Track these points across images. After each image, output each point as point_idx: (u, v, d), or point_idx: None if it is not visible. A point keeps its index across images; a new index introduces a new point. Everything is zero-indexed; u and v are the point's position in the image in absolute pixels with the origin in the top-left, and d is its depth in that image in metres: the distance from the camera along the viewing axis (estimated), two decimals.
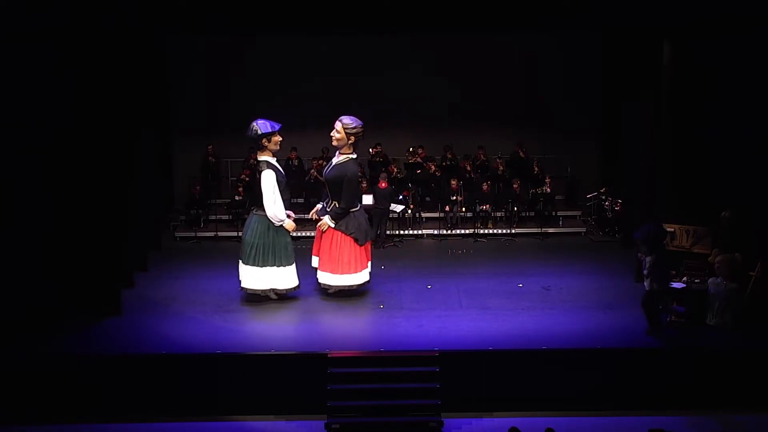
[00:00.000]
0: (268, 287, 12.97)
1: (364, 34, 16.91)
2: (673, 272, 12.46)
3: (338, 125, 13.15)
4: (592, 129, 18.96)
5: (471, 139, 18.90)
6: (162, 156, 17.53)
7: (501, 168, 18.55)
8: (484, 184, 17.79)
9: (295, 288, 13.14)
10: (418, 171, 18.38)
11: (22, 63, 11.68)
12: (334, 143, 13.32)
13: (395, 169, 18.28)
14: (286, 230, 13.01)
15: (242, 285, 13.04)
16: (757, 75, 13.00)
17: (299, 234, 15.78)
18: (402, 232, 17.51)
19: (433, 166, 18.33)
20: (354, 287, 13.25)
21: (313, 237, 13.90)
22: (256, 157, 13.16)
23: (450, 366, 11.08)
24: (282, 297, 13.14)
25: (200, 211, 17.67)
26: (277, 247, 12.88)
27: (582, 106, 18.85)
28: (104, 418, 11.06)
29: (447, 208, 17.57)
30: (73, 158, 12.27)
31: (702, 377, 11.23)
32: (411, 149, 18.74)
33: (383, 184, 16.71)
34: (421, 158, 18.55)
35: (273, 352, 11.30)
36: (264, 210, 12.83)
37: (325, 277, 13.18)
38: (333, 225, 13.13)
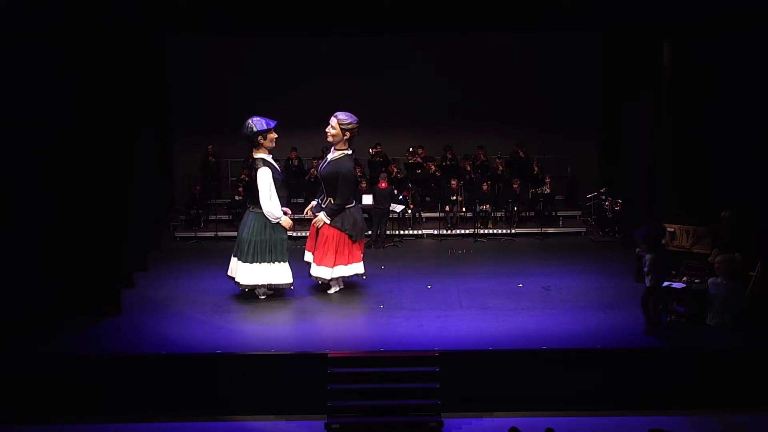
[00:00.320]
0: (262, 282, 12.99)
1: (364, 34, 16.92)
2: (673, 272, 12.46)
3: (333, 121, 13.16)
4: (592, 129, 18.96)
5: (471, 139, 18.90)
6: (162, 156, 17.53)
7: (501, 168, 18.55)
8: (484, 184, 17.79)
9: (288, 285, 13.14)
10: (418, 171, 18.38)
11: (22, 63, 11.67)
12: (329, 139, 13.31)
13: (395, 169, 18.29)
14: (283, 227, 13.04)
15: (237, 280, 13.05)
16: (757, 75, 13.00)
17: (297, 234, 15.79)
18: (402, 232, 17.51)
19: (433, 166, 18.33)
20: (348, 277, 13.38)
21: None
22: (251, 154, 13.16)
23: (450, 366, 11.08)
24: (273, 293, 13.17)
25: (200, 211, 17.67)
26: (273, 244, 12.93)
27: (582, 106, 18.85)
28: (104, 418, 11.06)
29: (447, 208, 17.57)
30: (73, 158, 12.27)
31: (702, 377, 11.22)
32: (411, 149, 18.75)
33: (383, 184, 16.71)
34: (421, 158, 18.55)
35: (273, 352, 11.30)
36: (260, 207, 12.86)
37: (319, 271, 13.21)
38: (328, 221, 13.16)
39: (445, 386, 10.91)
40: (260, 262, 12.90)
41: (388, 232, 17.04)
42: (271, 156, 13.16)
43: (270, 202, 12.85)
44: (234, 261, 13.17)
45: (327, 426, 10.74)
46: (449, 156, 18.69)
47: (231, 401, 11.19)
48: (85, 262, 12.45)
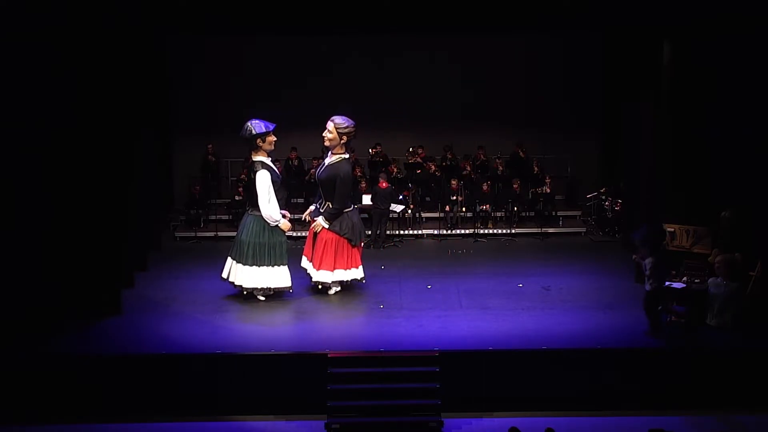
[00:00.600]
0: (261, 286, 12.94)
1: (364, 34, 16.92)
2: (673, 272, 12.46)
3: (330, 125, 13.12)
4: (592, 129, 18.95)
5: (471, 139, 18.90)
6: (162, 156, 17.52)
7: (501, 168, 18.55)
8: (484, 184, 17.79)
9: (287, 288, 13.11)
10: (418, 171, 18.37)
11: (22, 63, 11.67)
12: (327, 143, 13.28)
13: (395, 169, 18.28)
14: (282, 230, 13.01)
15: (236, 284, 12.99)
16: (757, 75, 13.00)
17: (296, 234, 15.78)
18: (402, 232, 17.51)
19: (433, 166, 18.33)
20: (348, 282, 13.30)
21: None
22: (250, 156, 13.13)
23: (450, 366, 11.08)
24: (272, 296, 13.11)
25: (200, 211, 17.67)
26: (272, 247, 12.88)
27: (582, 106, 18.84)
28: (104, 418, 11.06)
29: (447, 208, 17.58)
30: (73, 158, 12.26)
31: (702, 377, 11.23)
32: (411, 149, 18.75)
33: (383, 184, 16.71)
34: (421, 158, 18.55)
35: (273, 352, 11.30)
36: (259, 210, 12.82)
37: (320, 275, 13.15)
38: (327, 226, 13.11)
39: (445, 386, 10.91)
40: (259, 265, 12.86)
41: (388, 232, 17.03)
42: (269, 158, 13.13)
43: (269, 206, 12.82)
44: (230, 263, 13.10)
45: (327, 426, 10.74)
46: (449, 156, 18.69)
47: (231, 401, 11.19)
48: (85, 262, 12.44)
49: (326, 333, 12.21)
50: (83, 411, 11.11)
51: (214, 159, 18.89)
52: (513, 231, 17.42)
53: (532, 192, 17.86)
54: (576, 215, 18.31)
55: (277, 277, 12.96)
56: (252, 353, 11.29)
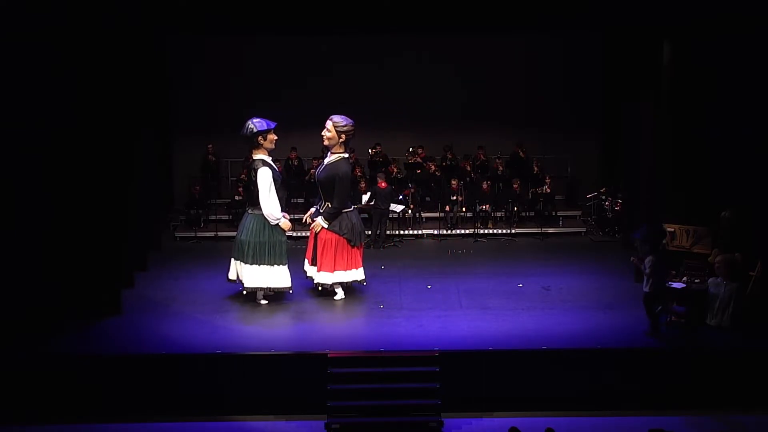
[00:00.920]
0: (261, 285, 12.90)
1: (364, 34, 16.91)
2: (673, 272, 12.46)
3: (329, 124, 13.09)
4: (592, 129, 18.95)
5: (471, 139, 18.90)
6: (162, 156, 17.52)
7: (501, 168, 18.55)
8: (484, 184, 17.79)
9: (287, 289, 13.06)
10: (418, 171, 18.37)
11: (22, 63, 11.67)
12: (326, 142, 13.26)
13: (395, 169, 18.29)
14: (282, 229, 12.96)
15: (246, 285, 12.94)
16: (757, 75, 13.01)
17: (296, 234, 15.78)
18: (402, 232, 17.51)
19: (433, 166, 18.33)
20: (348, 284, 13.24)
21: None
22: (251, 155, 13.07)
23: (450, 366, 11.08)
24: (272, 297, 13.06)
25: (200, 211, 17.67)
26: (272, 246, 12.82)
27: (582, 106, 18.84)
28: (104, 418, 11.06)
29: (447, 208, 17.58)
30: (73, 158, 12.26)
31: (702, 377, 11.23)
32: (411, 149, 18.75)
33: (383, 184, 16.71)
34: (421, 158, 18.55)
35: (273, 352, 11.30)
36: (259, 209, 12.79)
37: (321, 276, 13.10)
38: (326, 225, 13.04)
39: (445, 386, 10.91)
40: (259, 264, 12.81)
41: (388, 232, 17.03)
42: (270, 157, 13.11)
43: (270, 203, 12.77)
44: (235, 263, 13.06)
45: (327, 426, 10.74)
46: (449, 156, 18.69)
47: (231, 401, 11.19)
48: (85, 262, 12.45)
49: (326, 333, 12.20)
50: (83, 411, 11.11)
51: (214, 159, 18.89)
52: (513, 231, 17.42)
53: (532, 192, 17.85)
54: (576, 215, 18.31)
55: (277, 277, 12.90)
56: (252, 353, 11.29)
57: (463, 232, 17.48)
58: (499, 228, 17.51)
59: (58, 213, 12.27)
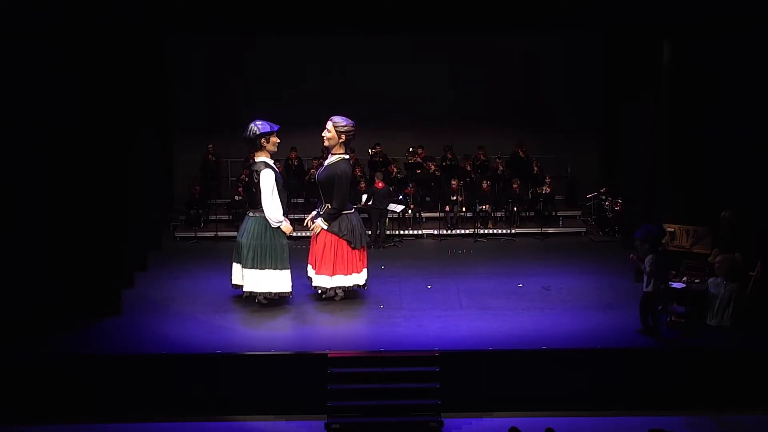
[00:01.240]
0: (263, 290, 12.78)
1: (364, 34, 16.92)
2: (673, 272, 12.46)
3: (329, 124, 13.02)
4: (592, 129, 18.97)
5: (471, 139, 18.91)
6: (162, 156, 17.53)
7: (501, 168, 18.56)
8: (484, 184, 17.80)
9: (287, 294, 12.94)
10: (418, 171, 18.38)
11: (22, 63, 11.67)
12: (326, 143, 13.19)
13: (395, 169, 18.29)
14: (283, 232, 12.85)
15: (236, 283, 12.90)
16: (757, 75, 13.00)
17: (298, 234, 15.78)
18: (402, 232, 17.51)
19: (433, 166, 18.34)
20: (349, 288, 13.10)
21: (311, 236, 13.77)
22: (253, 157, 13.00)
23: (450, 366, 11.08)
24: (272, 301, 12.97)
25: (200, 211, 17.67)
26: (274, 250, 12.70)
27: (582, 106, 18.86)
28: (104, 418, 11.06)
29: (447, 208, 17.58)
30: (73, 158, 12.26)
31: (702, 377, 11.23)
32: (411, 149, 18.76)
33: (380, 184, 16.71)
34: (421, 158, 18.56)
35: (273, 352, 11.29)
36: (261, 211, 12.71)
37: (319, 280, 12.99)
38: (326, 227, 12.94)
39: (445, 386, 10.91)
40: (260, 268, 12.67)
41: (387, 232, 17.04)
42: (272, 160, 13.03)
43: (272, 206, 12.65)
44: (237, 267, 12.95)
45: (327, 426, 10.74)
46: (449, 156, 18.71)
47: (231, 401, 11.19)
48: (85, 262, 12.44)
49: (326, 333, 12.20)
50: (83, 411, 11.11)
51: (214, 159, 18.90)
52: (513, 231, 17.43)
53: (532, 192, 17.86)
54: (576, 215, 18.32)
55: (278, 281, 12.75)
56: (252, 353, 11.29)
57: (463, 232, 17.49)
58: (499, 228, 17.52)
59: (58, 213, 12.26)
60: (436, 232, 17.56)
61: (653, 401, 11.17)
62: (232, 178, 19.05)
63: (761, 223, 12.72)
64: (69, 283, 12.32)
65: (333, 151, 13.17)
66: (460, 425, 10.90)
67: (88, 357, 11.26)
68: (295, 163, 18.53)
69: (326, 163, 13.25)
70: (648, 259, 11.51)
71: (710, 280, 12.23)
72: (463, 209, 17.61)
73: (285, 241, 12.89)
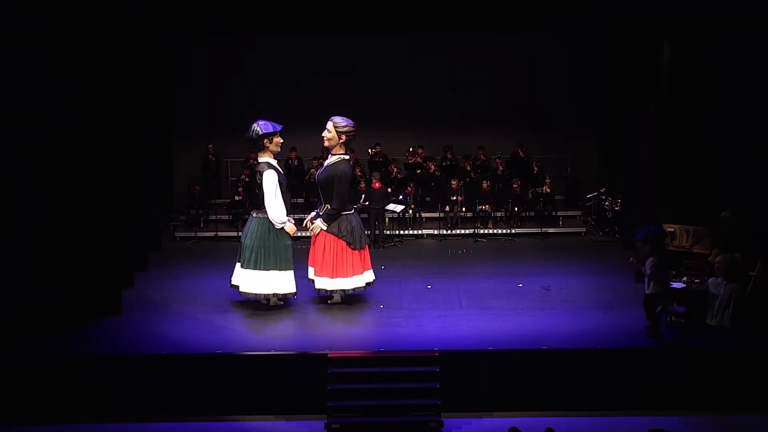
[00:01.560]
0: (268, 291, 12.71)
1: (364, 34, 16.92)
2: (673, 272, 12.46)
3: (329, 125, 12.94)
4: (592, 129, 18.97)
5: (471, 139, 18.91)
6: (162, 156, 17.53)
7: (501, 168, 18.56)
8: (484, 184, 17.80)
9: (292, 294, 12.87)
10: (418, 171, 18.38)
11: (22, 63, 11.67)
12: (326, 143, 13.10)
13: (395, 169, 18.29)
14: (287, 233, 12.78)
15: (241, 290, 12.75)
16: (757, 75, 13.00)
17: (298, 234, 15.74)
18: (402, 232, 17.51)
19: (433, 166, 18.34)
20: (350, 291, 12.99)
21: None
22: (257, 158, 12.92)
23: (450, 366, 11.08)
24: (278, 303, 12.93)
25: (200, 211, 17.67)
26: (278, 251, 12.62)
27: (582, 106, 18.86)
28: (104, 418, 11.06)
29: (447, 208, 17.58)
30: (73, 158, 12.26)
31: (702, 377, 11.22)
32: (411, 149, 18.76)
33: (377, 185, 16.70)
34: (421, 158, 18.56)
35: (273, 352, 11.29)
36: (264, 212, 12.63)
37: (321, 282, 12.89)
38: (325, 228, 12.84)
39: (445, 386, 10.91)
40: (264, 270, 12.57)
41: (387, 232, 17.04)
42: (276, 161, 12.97)
43: (275, 207, 12.55)
44: (237, 268, 12.87)
45: (327, 426, 10.73)
46: (449, 156, 18.71)
47: (231, 401, 11.19)
48: (85, 262, 12.44)
49: (326, 333, 12.19)
50: (83, 411, 11.10)
51: (214, 159, 18.90)
52: (513, 231, 17.43)
53: (532, 192, 17.86)
54: (576, 215, 18.32)
55: (282, 282, 12.66)
56: (252, 353, 11.29)
57: (463, 232, 17.49)
58: (499, 228, 17.52)
59: (58, 213, 12.26)
60: (436, 232, 17.56)
61: (653, 401, 11.17)
62: (232, 178, 19.05)
63: (761, 223, 12.72)
64: (69, 283, 12.32)
65: (333, 152, 13.10)
66: (460, 425, 10.90)
67: (88, 357, 11.25)
68: (295, 163, 18.53)
69: (326, 163, 13.17)
70: (649, 261, 11.50)
71: (710, 280, 12.23)
72: (463, 209, 17.61)
73: (288, 242, 12.79)
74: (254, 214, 12.83)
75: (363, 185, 17.04)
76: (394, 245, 16.89)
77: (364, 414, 10.81)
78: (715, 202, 13.12)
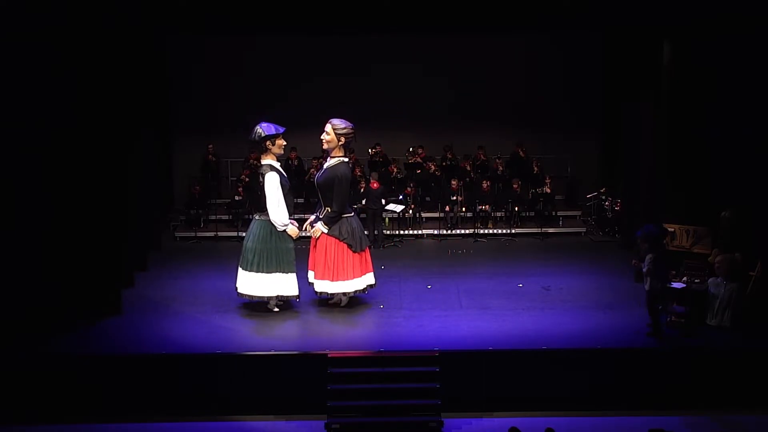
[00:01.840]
0: (270, 294, 12.67)
1: (364, 34, 16.92)
2: (673, 272, 12.46)
3: (328, 127, 12.84)
4: (592, 129, 18.97)
5: (471, 139, 18.91)
6: (162, 156, 17.53)
7: (501, 168, 18.56)
8: (484, 184, 17.80)
9: (294, 297, 12.80)
10: (418, 171, 18.38)
11: (22, 63, 11.67)
12: (325, 146, 12.98)
13: (395, 169, 18.29)
14: (289, 236, 12.70)
15: (242, 292, 12.69)
16: (757, 75, 13.00)
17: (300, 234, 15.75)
18: (402, 232, 17.51)
19: (433, 166, 18.34)
20: (351, 294, 12.93)
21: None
22: (259, 160, 12.87)
23: (450, 366, 11.07)
24: (282, 305, 12.89)
25: (200, 211, 17.67)
26: (280, 253, 12.56)
27: (582, 106, 18.86)
28: (104, 418, 11.06)
29: (447, 208, 17.58)
30: (73, 158, 12.25)
31: (702, 377, 11.22)
32: (411, 149, 18.76)
33: (375, 185, 16.70)
34: (421, 158, 18.56)
35: (273, 352, 11.30)
36: (266, 215, 12.56)
37: (321, 285, 12.79)
38: (326, 231, 12.73)
39: (445, 386, 10.91)
40: (266, 272, 12.51)
41: (387, 232, 17.04)
42: (278, 163, 12.93)
43: (278, 209, 12.48)
44: (240, 272, 12.78)
45: (327, 426, 10.73)
46: (449, 156, 18.71)
47: (231, 401, 11.19)
48: (85, 262, 12.43)
49: (326, 333, 12.18)
50: (83, 411, 11.10)
51: (214, 159, 18.90)
52: (513, 231, 17.43)
53: (532, 192, 17.86)
54: (576, 215, 18.32)
55: (285, 284, 12.61)
56: (252, 353, 11.29)
57: (463, 232, 17.49)
58: (499, 228, 17.52)
59: (58, 213, 12.25)
60: (436, 232, 17.56)
61: (653, 401, 11.17)
62: (232, 178, 19.05)
63: (761, 223, 12.72)
64: (69, 283, 12.31)
65: (332, 154, 13.00)
66: (460, 425, 10.90)
67: (88, 357, 11.25)
68: (295, 164, 18.52)
69: (325, 165, 13.00)
70: (647, 258, 11.51)
71: (710, 280, 12.23)
72: (463, 209, 17.61)
73: (291, 244, 12.72)
74: (256, 217, 12.80)
75: (363, 186, 17.03)
76: (394, 245, 16.89)
77: (364, 414, 10.81)
78: (715, 202, 13.13)
